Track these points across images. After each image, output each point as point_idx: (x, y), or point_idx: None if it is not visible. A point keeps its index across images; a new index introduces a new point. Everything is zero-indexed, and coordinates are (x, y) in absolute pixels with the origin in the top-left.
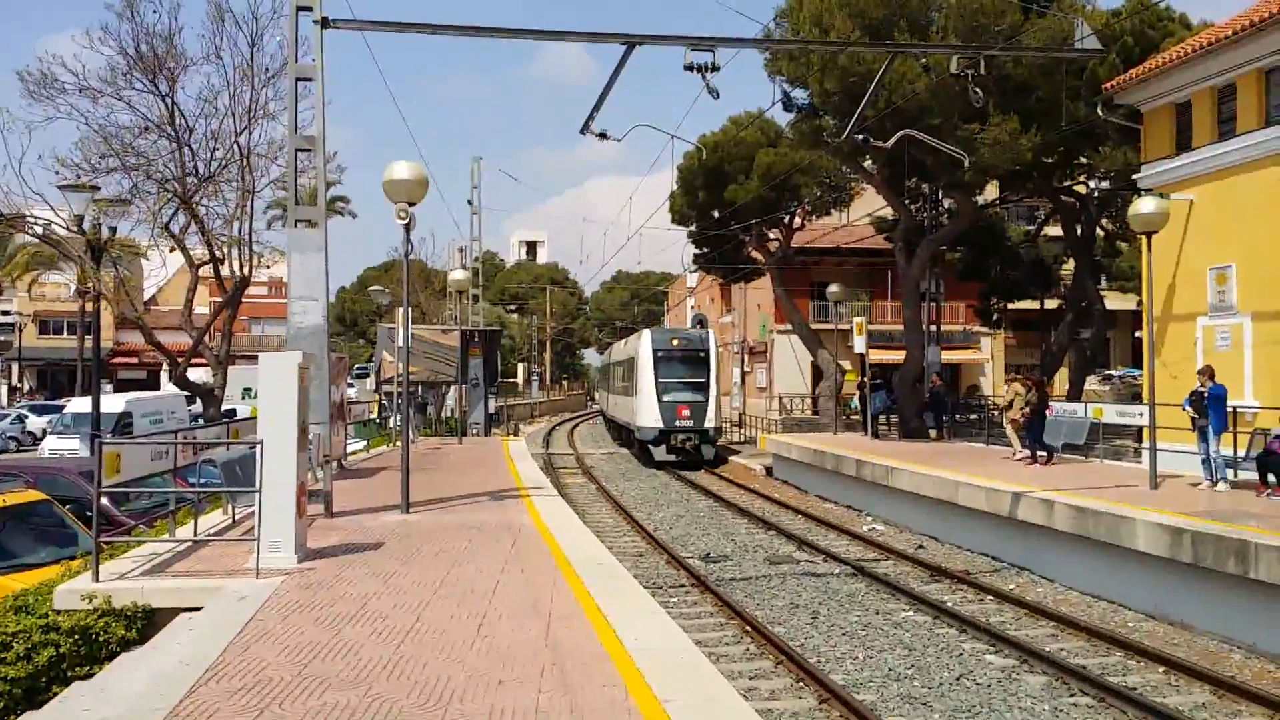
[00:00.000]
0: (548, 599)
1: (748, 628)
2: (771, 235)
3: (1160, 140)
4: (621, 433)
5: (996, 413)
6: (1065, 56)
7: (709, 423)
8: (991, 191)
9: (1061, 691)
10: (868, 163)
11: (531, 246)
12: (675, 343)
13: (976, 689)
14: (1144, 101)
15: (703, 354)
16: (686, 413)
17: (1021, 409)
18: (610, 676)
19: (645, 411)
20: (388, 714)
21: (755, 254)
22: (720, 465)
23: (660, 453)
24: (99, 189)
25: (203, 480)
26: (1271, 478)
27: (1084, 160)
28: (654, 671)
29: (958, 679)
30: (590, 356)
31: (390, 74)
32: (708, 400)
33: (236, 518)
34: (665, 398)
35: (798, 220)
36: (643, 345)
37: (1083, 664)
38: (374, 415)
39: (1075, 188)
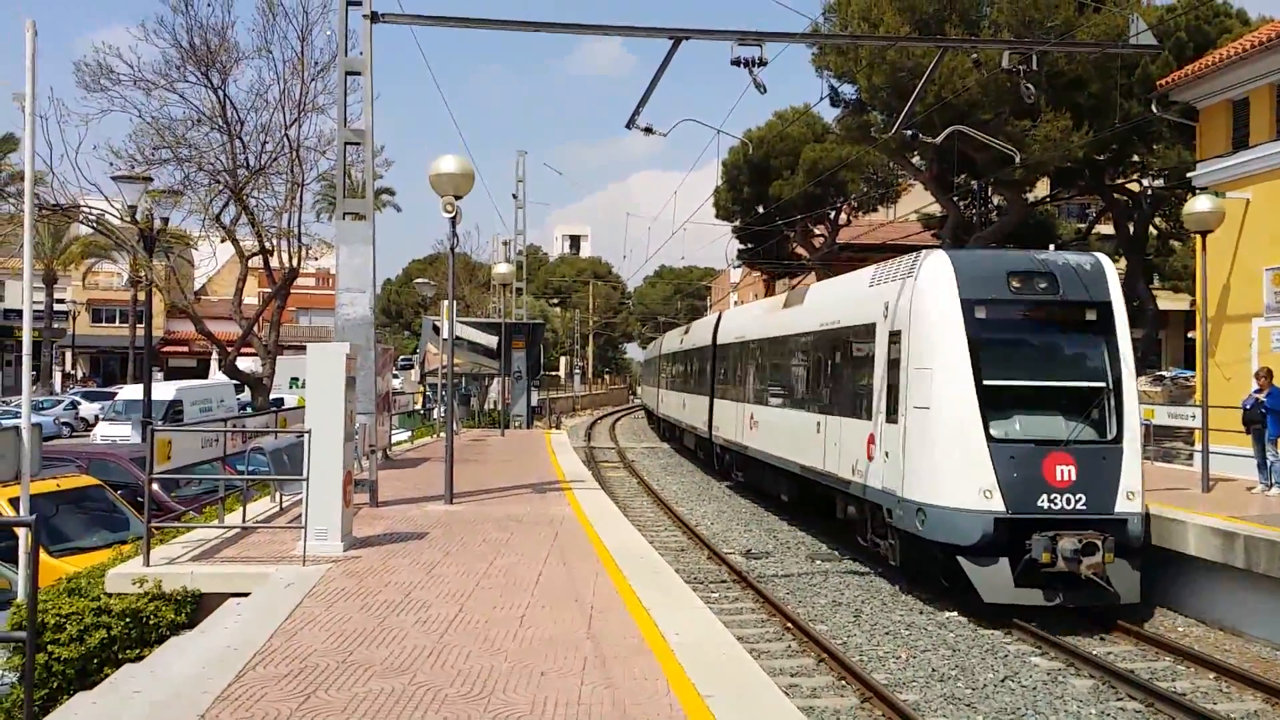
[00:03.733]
0: (589, 591)
1: (789, 624)
2: (816, 231)
3: (1216, 138)
4: (771, 479)
5: None
6: (1119, 52)
7: (1127, 501)
8: (1042, 189)
9: (1108, 695)
10: (915, 158)
11: (575, 240)
12: (1017, 284)
13: (1022, 691)
14: (1199, 99)
15: (1093, 314)
16: (1069, 472)
17: None
18: (652, 670)
19: (936, 468)
20: (432, 702)
21: (800, 250)
22: (1146, 618)
23: (997, 582)
24: (152, 180)
25: (251, 468)
26: None
27: (1137, 158)
28: (695, 666)
29: (1002, 680)
30: (633, 351)
31: (435, 67)
32: (1121, 438)
33: (283, 505)
34: (1001, 431)
35: (843, 216)
36: (927, 290)
37: (1130, 668)
38: (418, 406)
39: (1128, 185)
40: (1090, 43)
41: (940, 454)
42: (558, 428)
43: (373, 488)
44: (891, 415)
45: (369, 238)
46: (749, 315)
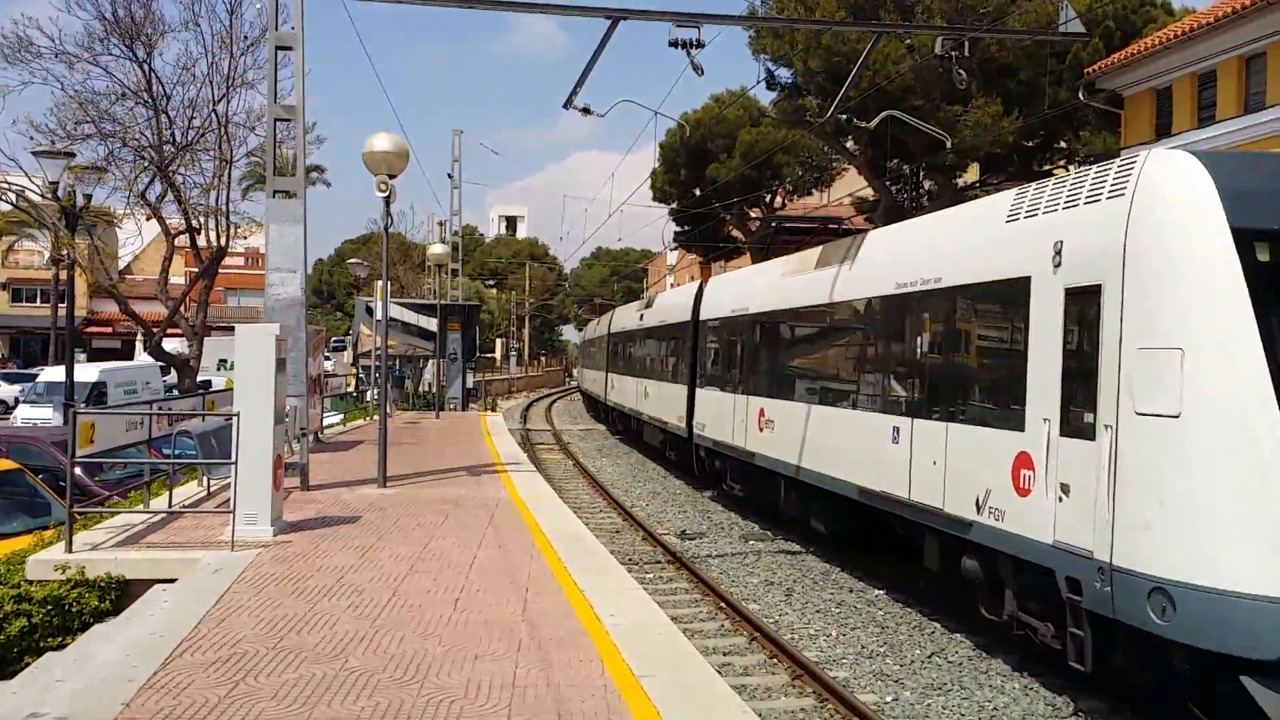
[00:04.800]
0: (525, 574)
1: (722, 604)
2: (752, 214)
3: (1140, 125)
4: (795, 500)
5: None
6: (1049, 40)
7: None
8: (972, 174)
9: (1030, 671)
10: (850, 143)
11: (511, 221)
12: None
13: (948, 667)
14: (1125, 86)
15: None
16: None
17: None
18: (587, 652)
19: (1203, 521)
20: (364, 687)
21: (736, 232)
22: None
23: None
24: (74, 156)
25: (177, 452)
26: None
27: (1064, 144)
28: (630, 647)
29: (929, 657)
30: (570, 333)
31: (367, 44)
32: None
33: (211, 490)
34: None
35: (779, 199)
36: (1167, 214)
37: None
38: (351, 388)
39: (1055, 171)
40: (1021, 30)
41: (1207, 495)
42: (493, 410)
43: (304, 471)
44: (1075, 424)
45: (299, 216)
46: (754, 281)
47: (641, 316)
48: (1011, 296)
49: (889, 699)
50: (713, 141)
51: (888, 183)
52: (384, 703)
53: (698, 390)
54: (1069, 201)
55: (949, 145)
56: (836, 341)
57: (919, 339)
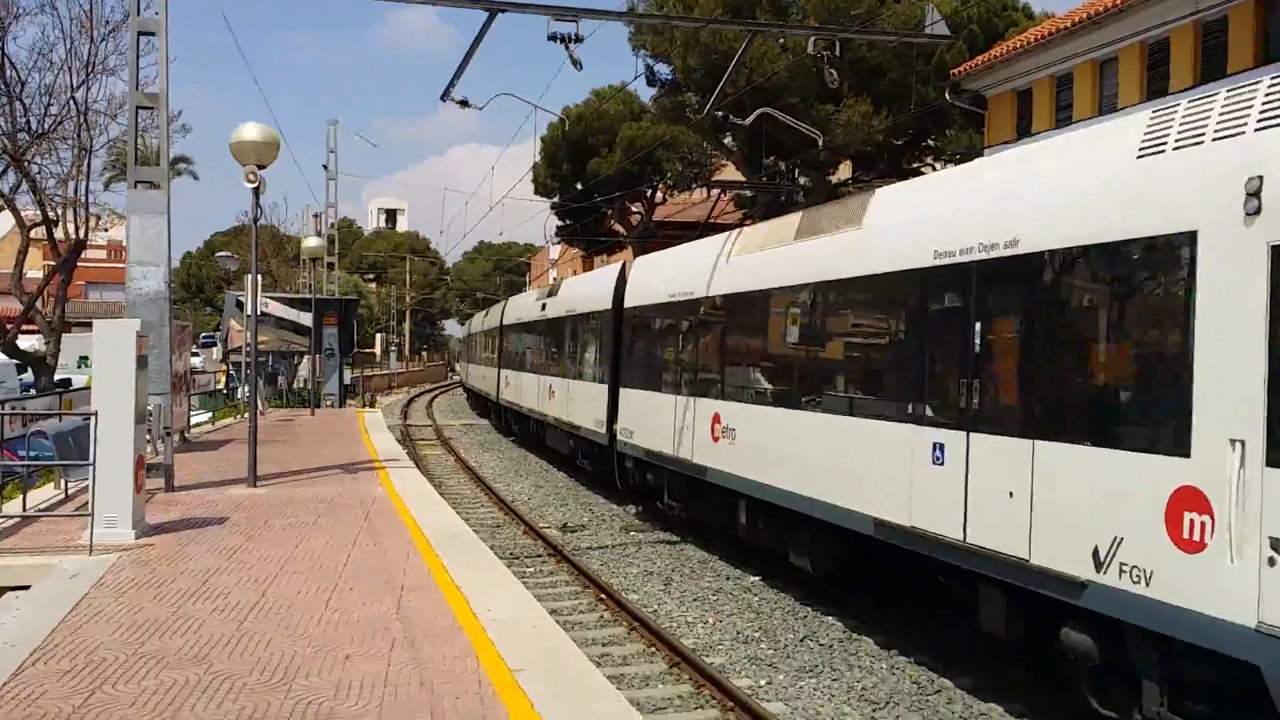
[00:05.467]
0: (400, 572)
1: (602, 595)
2: (634, 208)
3: (1003, 125)
4: (765, 529)
5: None
6: (916, 41)
7: None
8: (845, 170)
9: (896, 650)
10: (728, 139)
11: (391, 215)
12: None
13: (819, 649)
14: (988, 87)
15: None
16: None
17: None
18: (462, 648)
19: None
20: (229, 691)
21: (617, 227)
22: None
23: None
24: None
25: (33, 453)
26: None
27: (932, 142)
28: (506, 641)
29: (801, 640)
30: (452, 327)
31: (238, 32)
32: None
33: (69, 492)
34: None
35: (659, 194)
36: None
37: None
38: (220, 386)
39: (922, 169)
40: (890, 31)
41: None
42: (372, 406)
43: (168, 472)
44: None
45: (163, 208)
46: (700, 260)
47: (544, 306)
48: (1158, 260)
49: (763, 682)
50: (594, 136)
51: (764, 179)
52: (250, 706)
53: (622, 390)
54: (1266, 117)
55: (821, 143)
56: (834, 331)
57: (977, 325)
